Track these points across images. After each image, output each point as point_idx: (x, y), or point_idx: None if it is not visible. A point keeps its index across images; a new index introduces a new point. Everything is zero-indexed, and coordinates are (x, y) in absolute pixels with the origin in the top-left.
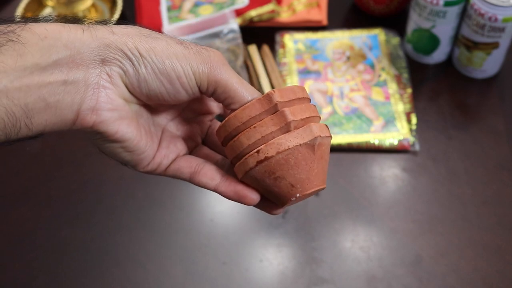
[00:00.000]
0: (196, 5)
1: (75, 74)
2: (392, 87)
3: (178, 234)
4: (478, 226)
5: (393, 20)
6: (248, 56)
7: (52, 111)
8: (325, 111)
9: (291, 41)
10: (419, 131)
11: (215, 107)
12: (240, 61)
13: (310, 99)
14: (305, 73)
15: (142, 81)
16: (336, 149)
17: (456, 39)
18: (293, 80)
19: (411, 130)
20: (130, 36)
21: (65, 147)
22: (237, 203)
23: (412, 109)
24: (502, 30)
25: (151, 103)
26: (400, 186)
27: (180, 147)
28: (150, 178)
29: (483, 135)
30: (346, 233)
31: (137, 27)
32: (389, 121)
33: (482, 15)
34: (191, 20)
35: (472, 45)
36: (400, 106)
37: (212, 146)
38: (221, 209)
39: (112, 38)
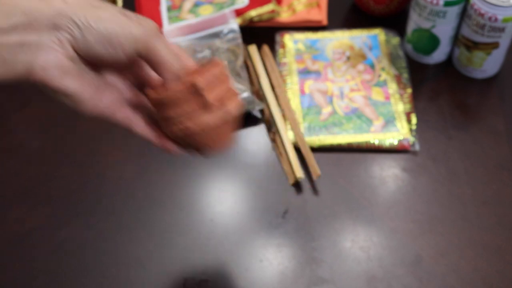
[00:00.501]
0: (196, 5)
1: (30, 37)
2: (392, 87)
3: (178, 234)
4: (478, 226)
5: (393, 20)
6: (248, 56)
7: (8, 67)
8: (325, 111)
9: (291, 41)
10: (419, 131)
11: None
12: (240, 61)
13: (228, 77)
14: (305, 73)
15: (88, 46)
16: (336, 149)
17: (456, 39)
18: (293, 80)
19: (411, 130)
20: (80, 6)
21: (65, 147)
22: (237, 203)
23: (412, 109)
24: (502, 30)
25: (96, 63)
26: (400, 186)
27: (117, 95)
28: (150, 178)
29: (483, 135)
30: (346, 233)
31: None
32: (389, 121)
33: (482, 15)
34: (191, 20)
35: (472, 45)
36: (400, 106)
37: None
38: (221, 209)
39: (65, 8)
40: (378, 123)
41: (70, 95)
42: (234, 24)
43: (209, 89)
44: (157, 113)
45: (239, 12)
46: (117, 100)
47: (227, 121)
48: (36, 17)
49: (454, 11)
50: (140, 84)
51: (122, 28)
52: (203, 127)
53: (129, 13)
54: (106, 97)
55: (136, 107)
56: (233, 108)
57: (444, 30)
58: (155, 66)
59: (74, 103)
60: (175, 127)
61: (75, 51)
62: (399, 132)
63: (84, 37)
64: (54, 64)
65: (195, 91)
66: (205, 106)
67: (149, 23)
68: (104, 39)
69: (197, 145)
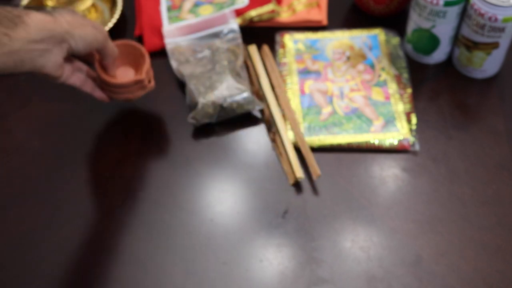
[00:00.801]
0: (196, 5)
1: (48, 46)
2: (392, 87)
3: (178, 234)
4: (478, 226)
5: (393, 20)
6: (248, 56)
7: (31, 64)
8: (325, 111)
9: (291, 41)
10: (419, 131)
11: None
12: (240, 61)
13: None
14: (305, 73)
15: (77, 49)
16: (336, 149)
17: (456, 39)
18: (293, 80)
19: (411, 130)
20: (75, 26)
21: (65, 147)
22: (237, 203)
23: (412, 109)
24: (502, 30)
25: (75, 55)
26: (400, 186)
27: (71, 68)
28: (150, 178)
29: (483, 135)
30: (346, 233)
31: (71, 14)
32: (389, 121)
33: (482, 15)
34: (191, 20)
35: (472, 45)
36: (400, 106)
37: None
38: (221, 209)
39: (68, 27)
40: (378, 123)
41: (55, 76)
42: (234, 24)
43: (146, 77)
44: (104, 85)
45: (239, 12)
46: (78, 74)
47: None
48: (53, 34)
49: (454, 11)
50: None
51: (94, 38)
52: (138, 96)
53: (97, 24)
54: (73, 74)
55: (88, 75)
56: (153, 82)
57: (444, 30)
58: (103, 56)
59: (54, 79)
60: (117, 96)
61: (68, 52)
62: (399, 132)
63: (77, 45)
64: (56, 64)
65: (139, 82)
66: (143, 87)
67: (104, 30)
68: (85, 44)
69: (125, 101)
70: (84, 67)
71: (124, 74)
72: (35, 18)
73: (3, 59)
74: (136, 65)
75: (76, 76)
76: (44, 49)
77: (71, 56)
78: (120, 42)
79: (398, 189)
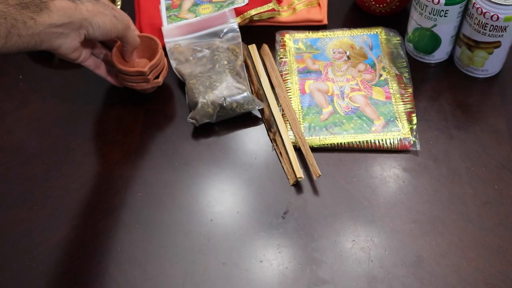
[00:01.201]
0: (196, 4)
1: (66, 30)
2: (393, 86)
3: (177, 234)
4: (480, 226)
5: (394, 19)
6: (248, 55)
7: (48, 44)
8: (326, 111)
9: (291, 41)
10: (420, 131)
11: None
12: (240, 61)
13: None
14: (305, 72)
15: (94, 35)
16: (336, 149)
17: (458, 38)
18: (293, 80)
19: (412, 130)
20: (95, 13)
21: (65, 147)
22: (237, 203)
23: (413, 108)
24: (504, 29)
25: (93, 40)
26: (401, 186)
27: (89, 51)
28: (150, 178)
29: (484, 135)
30: (346, 234)
31: (94, 2)
32: (390, 121)
33: (483, 14)
34: (190, 19)
35: (474, 44)
36: (401, 106)
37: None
38: (221, 209)
39: (87, 14)
40: (378, 123)
41: (71, 58)
42: (234, 23)
43: (151, 72)
44: (117, 71)
45: (239, 11)
46: (94, 57)
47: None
48: (73, 20)
49: (455, 10)
50: (109, 46)
51: (114, 26)
52: (143, 88)
53: (119, 14)
54: (90, 57)
55: (104, 60)
56: (161, 79)
57: (445, 29)
58: (124, 43)
59: (71, 60)
60: (125, 83)
61: (86, 37)
62: (400, 132)
63: (94, 32)
64: (71, 46)
65: (141, 74)
66: (146, 80)
67: (126, 19)
68: (103, 32)
69: (141, 90)
70: (103, 51)
71: (138, 65)
72: (58, 5)
73: (26, 40)
74: (152, 60)
75: (92, 59)
76: (62, 32)
77: (91, 40)
78: (144, 34)
79: (399, 189)
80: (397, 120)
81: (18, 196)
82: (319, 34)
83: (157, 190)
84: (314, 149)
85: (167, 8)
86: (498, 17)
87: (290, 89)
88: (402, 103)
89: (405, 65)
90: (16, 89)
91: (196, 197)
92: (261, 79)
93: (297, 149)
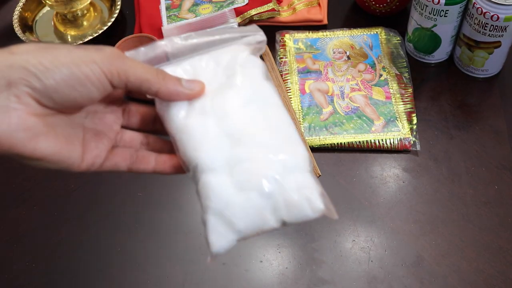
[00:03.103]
0: (196, 4)
1: None
2: (393, 86)
3: (177, 234)
4: (480, 226)
5: (394, 19)
6: None
7: None
8: (326, 111)
9: (291, 40)
10: (420, 131)
11: (119, 91)
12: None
13: None
14: (305, 72)
15: (52, 92)
16: (336, 149)
17: (458, 38)
18: (293, 80)
19: (412, 129)
20: (31, 52)
21: None
22: None
23: (413, 108)
24: (504, 29)
25: (65, 110)
26: (401, 186)
27: (106, 142)
28: (150, 178)
29: (484, 135)
30: (346, 234)
31: (34, 43)
32: (390, 121)
33: (484, 14)
34: (190, 19)
35: (474, 44)
36: (401, 106)
37: (131, 126)
38: None
39: (13, 59)
40: (379, 122)
41: (46, 158)
42: (234, 23)
43: None
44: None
45: (239, 11)
46: (101, 143)
47: None
48: None
49: (455, 10)
50: (101, 110)
51: (84, 61)
52: None
53: (84, 46)
54: (93, 146)
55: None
56: None
57: (446, 29)
58: (141, 86)
59: (56, 166)
60: None
61: (39, 103)
62: (400, 132)
63: (44, 85)
64: (19, 126)
65: None
66: None
67: (110, 48)
68: (68, 79)
69: None
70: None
71: None
72: None
73: None
74: None
75: (118, 156)
76: None
77: (72, 110)
78: (144, 34)
79: (399, 189)
80: (397, 120)
81: (18, 197)
82: (319, 34)
83: (156, 190)
84: (314, 149)
85: (167, 8)
86: (498, 17)
87: (290, 89)
88: (402, 103)
89: (405, 65)
90: None
91: (196, 197)
92: None
93: None
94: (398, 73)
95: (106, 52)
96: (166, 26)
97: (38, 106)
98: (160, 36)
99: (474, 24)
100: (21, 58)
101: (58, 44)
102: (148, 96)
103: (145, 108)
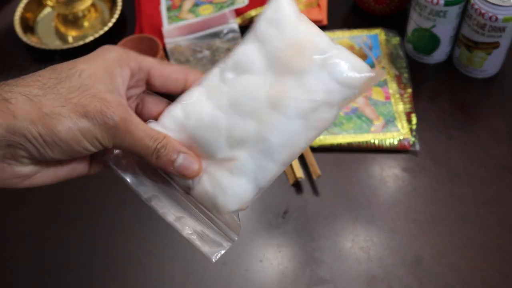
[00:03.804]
0: (196, 4)
1: None
2: (392, 87)
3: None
4: (479, 226)
5: (393, 20)
6: None
7: None
8: None
9: None
10: (420, 131)
11: None
12: None
13: None
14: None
15: (49, 158)
16: (336, 149)
17: (457, 38)
18: None
19: (411, 130)
20: (32, 122)
21: None
22: None
23: (412, 109)
24: (502, 29)
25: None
26: (400, 186)
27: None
28: None
29: (483, 135)
30: (346, 233)
31: (38, 99)
32: (389, 121)
33: (482, 14)
34: (191, 19)
35: (473, 45)
36: (400, 106)
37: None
38: None
39: (15, 124)
40: (378, 123)
41: (48, 184)
42: (234, 24)
43: None
44: None
45: (239, 12)
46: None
47: None
48: None
49: (454, 11)
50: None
51: (86, 136)
52: None
53: (91, 110)
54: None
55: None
56: None
57: (445, 29)
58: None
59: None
60: None
61: (33, 163)
62: (399, 132)
63: (42, 154)
64: (12, 175)
65: None
66: None
67: (115, 115)
68: (67, 152)
69: None
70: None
71: None
72: None
73: None
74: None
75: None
76: None
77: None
78: (144, 35)
79: (398, 189)
80: (397, 120)
81: (19, 197)
82: None
83: None
84: (314, 149)
85: (168, 9)
86: (496, 18)
87: None
88: (401, 103)
89: (405, 65)
90: None
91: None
92: None
93: None
94: (398, 73)
95: (110, 124)
96: (166, 27)
97: (32, 164)
98: (161, 36)
99: (473, 24)
100: (22, 125)
101: (61, 108)
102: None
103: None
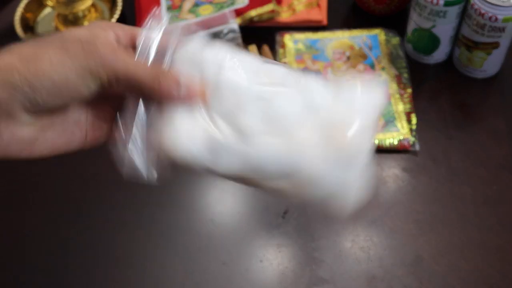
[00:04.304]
0: (196, 5)
1: None
2: (392, 87)
3: (178, 234)
4: (479, 226)
5: (393, 20)
6: None
7: None
8: None
9: (291, 41)
10: (419, 131)
11: None
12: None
13: None
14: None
15: (42, 105)
16: None
17: (457, 39)
18: None
19: (411, 130)
20: (15, 68)
21: None
22: (237, 203)
23: (412, 109)
24: (502, 30)
25: (59, 112)
26: (400, 186)
27: (110, 120)
28: None
29: (483, 135)
30: (346, 233)
31: (16, 50)
32: (389, 121)
33: (482, 15)
34: (191, 20)
35: (473, 45)
36: (400, 106)
37: None
38: (221, 209)
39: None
40: (378, 123)
41: (47, 157)
42: (234, 24)
43: None
44: None
45: (239, 12)
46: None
47: None
48: None
49: (454, 11)
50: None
51: (71, 69)
52: None
53: (68, 42)
54: (96, 127)
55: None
56: None
57: (444, 30)
58: (133, 89)
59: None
60: None
61: (30, 112)
62: (399, 132)
63: (30, 100)
64: (11, 141)
65: None
66: None
67: (97, 43)
68: (57, 91)
69: None
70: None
71: None
72: None
73: None
74: None
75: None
76: None
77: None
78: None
79: (398, 189)
80: (396, 120)
81: (19, 197)
82: (319, 35)
83: (157, 190)
84: None
85: (168, 9)
86: (496, 18)
87: None
88: (401, 103)
89: (405, 65)
90: None
91: (196, 197)
92: None
93: None
94: (397, 73)
95: (93, 51)
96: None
97: (30, 118)
98: None
99: (473, 25)
100: (6, 76)
101: (40, 48)
102: None
103: None
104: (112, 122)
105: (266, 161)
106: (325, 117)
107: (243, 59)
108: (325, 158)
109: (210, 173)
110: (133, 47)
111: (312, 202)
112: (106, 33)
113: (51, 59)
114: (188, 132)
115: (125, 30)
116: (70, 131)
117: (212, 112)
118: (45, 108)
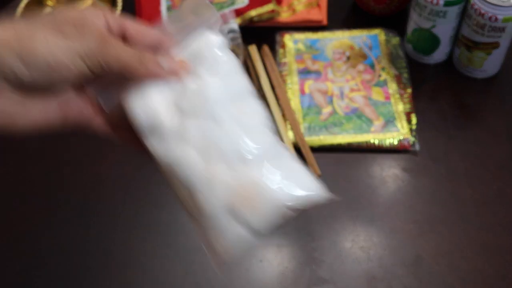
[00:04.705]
0: None
1: None
2: (392, 87)
3: (178, 234)
4: (479, 226)
5: (393, 20)
6: (248, 56)
7: None
8: (325, 111)
9: (291, 41)
10: (419, 131)
11: None
12: (240, 61)
13: None
14: (305, 73)
15: (32, 84)
16: (336, 149)
17: (457, 39)
18: (293, 80)
19: (411, 130)
20: (8, 43)
21: (65, 147)
22: None
23: (412, 109)
24: (502, 30)
25: (48, 91)
26: (400, 186)
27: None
28: (150, 177)
29: (483, 135)
30: (346, 233)
31: (9, 26)
32: (389, 121)
33: (482, 15)
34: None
35: (473, 45)
36: (400, 106)
37: None
38: None
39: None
40: (378, 123)
41: (36, 130)
42: (234, 24)
43: None
44: None
45: (239, 12)
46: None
47: None
48: None
49: (454, 11)
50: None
51: (65, 52)
52: None
53: (63, 25)
54: (74, 104)
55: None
56: None
57: (444, 30)
58: (127, 75)
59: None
60: None
61: (19, 94)
62: (399, 132)
63: (16, 74)
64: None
65: None
66: None
67: (92, 29)
68: (48, 71)
69: None
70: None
71: None
72: None
73: None
74: None
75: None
76: None
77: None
78: None
79: (398, 189)
80: (396, 120)
81: (19, 197)
82: (319, 35)
83: (157, 189)
84: (314, 149)
85: (168, 9)
86: (496, 18)
87: (290, 90)
88: (401, 103)
89: (405, 65)
90: None
91: None
92: (261, 80)
93: (297, 149)
94: (397, 73)
95: (87, 36)
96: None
97: (18, 97)
98: None
99: (473, 25)
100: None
101: (35, 28)
102: None
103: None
104: (93, 103)
105: (178, 166)
106: (244, 174)
107: (236, 81)
108: (222, 201)
109: (146, 146)
110: (121, 35)
111: (201, 228)
112: (97, 18)
113: (47, 40)
114: (147, 100)
115: (114, 17)
116: (52, 110)
117: (178, 102)
118: (31, 87)
